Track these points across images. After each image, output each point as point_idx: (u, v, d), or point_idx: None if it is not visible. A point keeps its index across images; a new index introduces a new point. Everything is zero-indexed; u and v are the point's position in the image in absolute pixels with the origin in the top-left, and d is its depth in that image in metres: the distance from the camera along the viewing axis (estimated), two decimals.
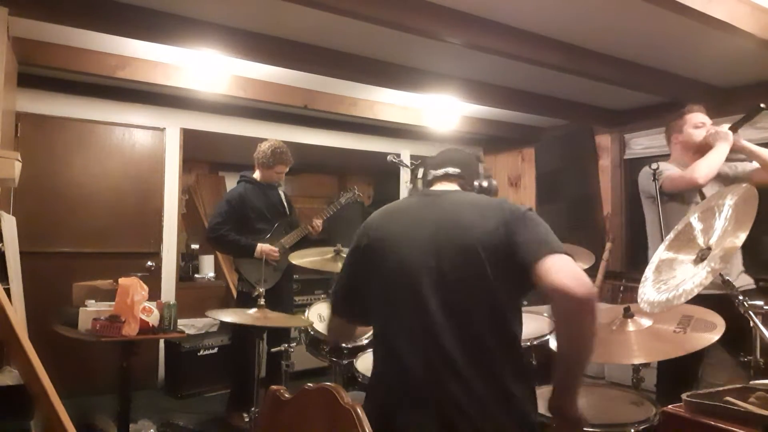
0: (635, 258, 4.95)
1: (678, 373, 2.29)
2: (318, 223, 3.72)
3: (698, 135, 2.75)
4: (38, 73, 3.82)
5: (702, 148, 2.70)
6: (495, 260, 1.33)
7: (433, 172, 1.61)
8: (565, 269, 1.27)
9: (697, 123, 2.77)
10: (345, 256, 1.64)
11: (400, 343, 1.37)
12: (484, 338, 1.33)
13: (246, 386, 3.08)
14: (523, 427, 1.33)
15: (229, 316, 2.59)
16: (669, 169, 2.71)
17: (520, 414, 1.33)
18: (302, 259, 3.02)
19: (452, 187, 1.57)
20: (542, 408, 1.50)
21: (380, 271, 1.44)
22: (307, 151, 5.15)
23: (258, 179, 3.73)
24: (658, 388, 2.53)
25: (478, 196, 1.53)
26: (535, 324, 1.57)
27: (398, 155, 3.62)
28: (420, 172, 1.70)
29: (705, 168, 2.56)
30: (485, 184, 1.62)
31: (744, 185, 1.73)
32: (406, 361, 1.35)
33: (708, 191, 2.58)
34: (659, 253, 1.89)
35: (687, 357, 1.69)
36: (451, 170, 1.59)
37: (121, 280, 2.84)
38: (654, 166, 2.70)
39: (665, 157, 5.04)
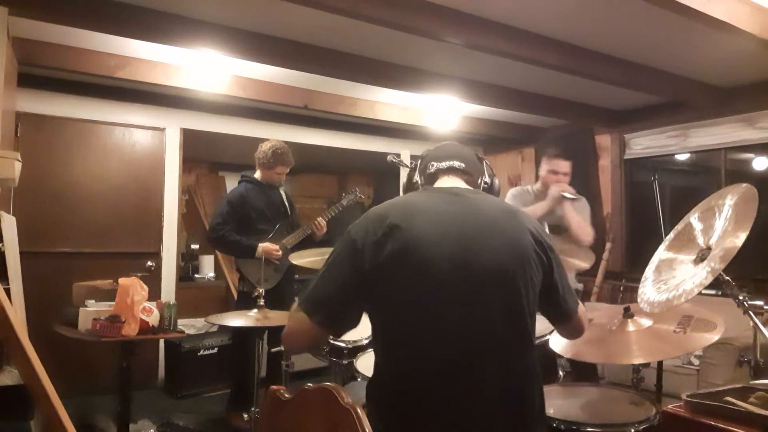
0: (635, 258, 4.95)
1: None
2: (323, 222, 3.72)
3: (547, 179, 3.35)
4: (38, 73, 3.82)
5: (546, 189, 3.32)
6: (529, 284, 1.35)
7: (437, 164, 1.53)
8: (585, 320, 1.56)
9: (555, 170, 3.35)
10: (339, 248, 1.40)
11: (424, 370, 1.29)
12: (518, 357, 1.33)
13: (246, 386, 3.08)
14: None
15: (231, 320, 2.58)
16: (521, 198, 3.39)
17: None
18: (302, 259, 3.01)
19: (458, 182, 1.51)
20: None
21: (399, 284, 1.29)
22: (307, 151, 5.15)
23: (259, 179, 3.73)
24: None
25: (505, 206, 1.48)
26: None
27: (398, 155, 3.62)
28: (418, 164, 1.61)
29: None
30: (489, 182, 1.59)
31: (744, 185, 1.73)
32: (436, 375, 1.28)
33: None
34: (659, 253, 1.89)
35: None
36: (456, 164, 1.52)
37: (121, 280, 2.85)
38: (515, 191, 3.48)
39: (665, 157, 5.07)
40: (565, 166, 3.35)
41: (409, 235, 1.30)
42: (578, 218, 3.29)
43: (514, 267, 1.32)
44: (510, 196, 3.46)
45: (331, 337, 1.47)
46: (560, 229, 3.28)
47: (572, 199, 3.27)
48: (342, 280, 1.35)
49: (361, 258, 1.31)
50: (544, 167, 3.39)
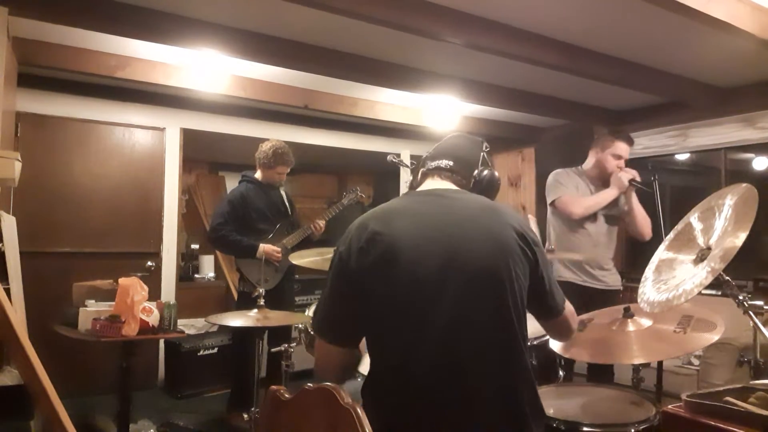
0: (635, 258, 4.95)
1: None
2: (321, 223, 3.73)
3: (611, 165, 3.02)
4: (38, 73, 3.82)
5: (605, 175, 3.02)
6: (515, 279, 1.34)
7: (429, 164, 1.54)
8: (573, 320, 1.56)
9: (619, 154, 3.01)
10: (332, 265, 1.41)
11: (414, 371, 1.28)
12: (500, 355, 1.32)
13: (246, 386, 3.08)
14: None
15: (231, 320, 2.57)
16: (565, 188, 3.04)
17: None
18: (302, 259, 3.01)
19: (442, 183, 1.50)
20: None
21: (386, 287, 1.31)
22: (307, 151, 5.15)
23: (259, 179, 3.73)
24: None
25: (486, 203, 1.44)
26: (535, 324, 1.57)
27: (398, 155, 3.62)
28: (419, 164, 1.62)
29: (584, 208, 2.94)
30: (476, 175, 1.53)
31: (744, 185, 1.73)
32: (420, 382, 1.29)
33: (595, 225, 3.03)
34: (659, 253, 1.89)
35: None
36: (443, 163, 1.52)
37: (121, 280, 2.85)
38: (551, 178, 3.11)
39: (665, 157, 5.05)
40: (627, 149, 3.02)
41: (390, 239, 1.32)
42: (643, 210, 2.99)
43: (498, 263, 1.32)
44: (554, 178, 3.10)
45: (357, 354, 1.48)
46: (616, 220, 3.07)
47: (642, 188, 2.94)
48: (340, 294, 1.38)
49: (349, 266, 1.34)
50: (602, 151, 3.04)
